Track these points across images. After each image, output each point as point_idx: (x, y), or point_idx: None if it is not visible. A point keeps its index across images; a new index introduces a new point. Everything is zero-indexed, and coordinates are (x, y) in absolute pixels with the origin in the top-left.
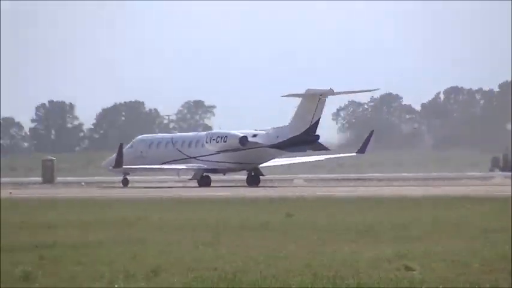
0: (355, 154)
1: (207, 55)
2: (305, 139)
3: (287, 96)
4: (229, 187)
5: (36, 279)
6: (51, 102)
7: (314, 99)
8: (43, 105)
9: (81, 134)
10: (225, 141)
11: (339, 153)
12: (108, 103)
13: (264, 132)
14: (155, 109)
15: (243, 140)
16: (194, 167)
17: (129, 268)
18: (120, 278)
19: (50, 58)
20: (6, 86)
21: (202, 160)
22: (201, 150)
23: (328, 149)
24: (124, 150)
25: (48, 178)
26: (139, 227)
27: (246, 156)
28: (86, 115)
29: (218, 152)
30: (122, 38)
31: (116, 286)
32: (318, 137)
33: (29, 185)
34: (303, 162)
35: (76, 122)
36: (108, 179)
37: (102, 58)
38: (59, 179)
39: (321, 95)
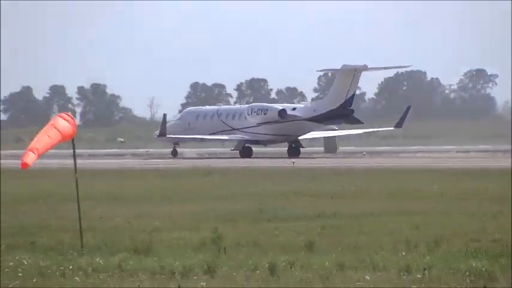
0: (392, 128)
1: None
2: (341, 113)
3: (322, 71)
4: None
5: (320, 249)
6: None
7: (349, 75)
8: (325, 75)
9: (364, 104)
10: (265, 114)
11: None
12: (391, 72)
13: (302, 105)
14: (437, 78)
15: (282, 112)
16: (237, 138)
17: (411, 238)
18: (402, 247)
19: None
20: (293, 56)
21: (244, 132)
22: (243, 122)
23: (362, 123)
24: (173, 121)
25: (331, 148)
26: (414, 197)
27: (285, 128)
28: (368, 85)
29: (259, 124)
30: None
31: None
32: (352, 110)
33: (312, 155)
34: (341, 135)
35: (358, 92)
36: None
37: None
38: (341, 148)
39: (355, 71)
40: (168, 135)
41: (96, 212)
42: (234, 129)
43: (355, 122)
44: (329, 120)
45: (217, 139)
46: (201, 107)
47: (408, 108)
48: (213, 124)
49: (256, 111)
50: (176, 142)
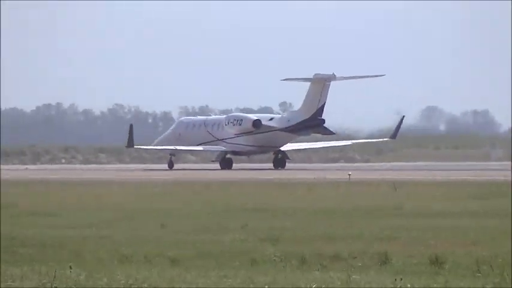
0: (387, 139)
1: None
2: (312, 123)
3: (286, 80)
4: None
5: None
6: None
7: (320, 84)
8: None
9: None
10: (240, 124)
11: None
12: None
13: (279, 116)
14: None
15: (257, 123)
16: (216, 149)
17: None
18: None
19: None
20: None
21: (225, 142)
22: (224, 133)
23: (334, 133)
24: (168, 131)
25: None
26: None
27: (262, 139)
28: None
29: (237, 135)
30: None
31: None
32: (323, 121)
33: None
34: (329, 147)
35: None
36: None
37: None
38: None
39: (325, 80)
40: (135, 147)
41: None
42: (218, 139)
43: (326, 132)
44: (301, 131)
45: (191, 150)
46: (192, 117)
47: (402, 118)
48: (200, 134)
49: (232, 121)
50: (172, 153)
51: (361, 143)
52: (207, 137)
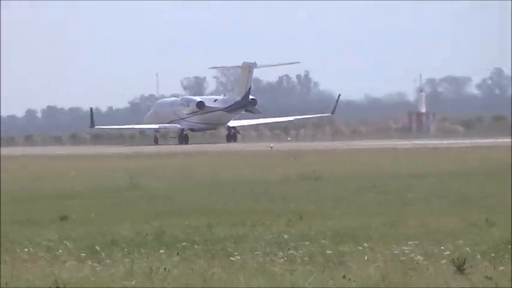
0: (329, 114)
1: None
2: (244, 103)
3: (213, 68)
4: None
5: None
6: None
7: (245, 71)
8: None
9: None
10: (188, 105)
11: None
12: None
13: (221, 98)
14: None
15: (200, 104)
16: (174, 127)
17: None
18: None
19: None
20: None
21: (184, 121)
22: (182, 113)
23: (261, 112)
24: (150, 111)
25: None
26: None
27: (210, 118)
28: None
29: (189, 115)
30: None
31: None
32: (254, 100)
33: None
34: (274, 123)
35: None
36: None
37: None
38: None
39: (249, 67)
40: (96, 127)
41: None
42: (181, 118)
43: (255, 111)
44: (236, 110)
45: (149, 128)
46: (167, 98)
47: (339, 96)
48: (170, 114)
49: (183, 103)
50: (157, 130)
51: (301, 118)
52: (173, 116)
